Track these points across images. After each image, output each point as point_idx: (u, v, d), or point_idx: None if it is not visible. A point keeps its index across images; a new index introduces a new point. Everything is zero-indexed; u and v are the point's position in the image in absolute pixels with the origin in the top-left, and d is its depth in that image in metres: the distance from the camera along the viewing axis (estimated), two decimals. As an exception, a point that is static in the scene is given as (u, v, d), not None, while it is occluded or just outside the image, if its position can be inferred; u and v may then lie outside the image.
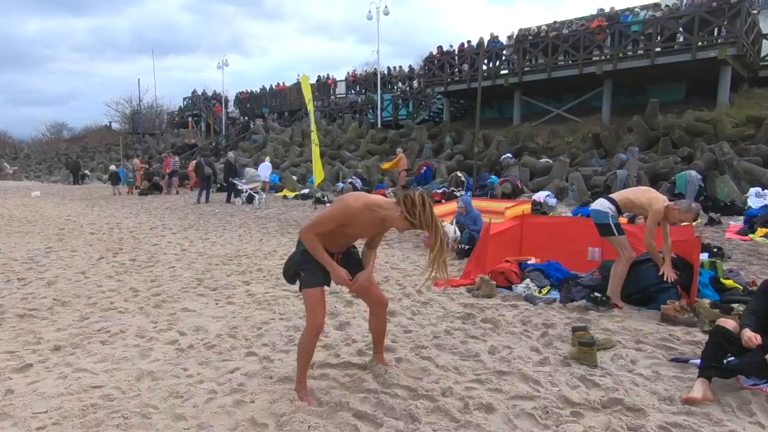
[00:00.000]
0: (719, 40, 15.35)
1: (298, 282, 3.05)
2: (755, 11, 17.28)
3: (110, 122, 46.93)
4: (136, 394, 3.04)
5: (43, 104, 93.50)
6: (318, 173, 13.21)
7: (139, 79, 37.02)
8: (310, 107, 13.78)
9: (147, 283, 5.81)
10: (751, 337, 2.94)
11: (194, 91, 37.11)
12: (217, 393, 3.05)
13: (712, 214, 10.01)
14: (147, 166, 22.41)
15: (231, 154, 19.01)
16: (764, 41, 17.56)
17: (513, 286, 5.41)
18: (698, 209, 4.65)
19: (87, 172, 29.67)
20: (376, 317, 3.29)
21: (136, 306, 4.88)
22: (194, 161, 20.56)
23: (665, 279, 4.69)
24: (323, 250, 2.89)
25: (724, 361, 3.15)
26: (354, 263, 3.10)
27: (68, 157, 33.75)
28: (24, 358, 3.56)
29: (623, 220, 5.96)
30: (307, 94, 13.97)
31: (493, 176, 14.81)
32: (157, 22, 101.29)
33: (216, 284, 5.74)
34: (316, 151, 12.90)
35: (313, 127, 13.42)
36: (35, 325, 4.32)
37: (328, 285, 3.05)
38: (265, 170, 18.78)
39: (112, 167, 20.97)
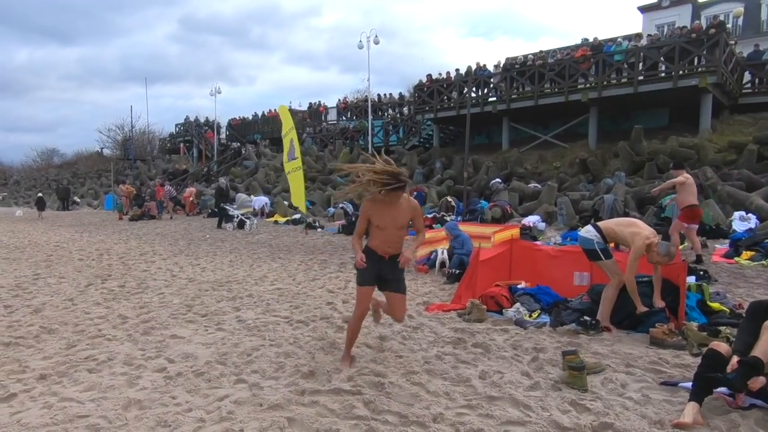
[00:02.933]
0: (700, 69, 15.83)
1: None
2: (732, 42, 17.88)
3: (102, 148, 46.95)
4: (122, 423, 3.00)
5: (33, 131, 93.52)
6: (299, 198, 12.89)
7: (132, 106, 37.30)
8: (293, 136, 12.89)
9: (136, 309, 5.75)
10: (732, 364, 3.03)
11: (186, 118, 37.33)
12: (206, 422, 3.01)
13: (699, 238, 10.14)
14: (134, 189, 22.34)
15: (222, 180, 19.05)
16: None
17: (503, 310, 5.42)
18: (675, 254, 4.77)
19: (77, 198, 29.50)
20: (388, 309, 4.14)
21: (124, 333, 4.83)
22: (191, 189, 21.16)
23: (653, 305, 4.78)
24: (360, 243, 3.89)
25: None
26: (394, 270, 3.84)
27: (59, 183, 33.55)
28: (8, 388, 3.50)
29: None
30: (288, 123, 13.24)
31: (482, 201, 14.95)
32: (144, 52, 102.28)
33: (206, 310, 5.70)
34: (300, 176, 12.63)
35: (297, 153, 12.76)
36: (21, 353, 4.26)
37: (375, 284, 3.90)
38: (260, 202, 18.91)
39: (40, 194, 22.94)
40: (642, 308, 4.78)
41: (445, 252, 7.78)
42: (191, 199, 21.41)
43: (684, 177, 8.07)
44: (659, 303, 4.79)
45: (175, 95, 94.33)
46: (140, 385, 3.57)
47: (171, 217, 19.50)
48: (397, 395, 3.35)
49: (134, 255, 10.21)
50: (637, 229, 4.82)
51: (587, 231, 5.01)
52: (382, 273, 3.83)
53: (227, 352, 4.24)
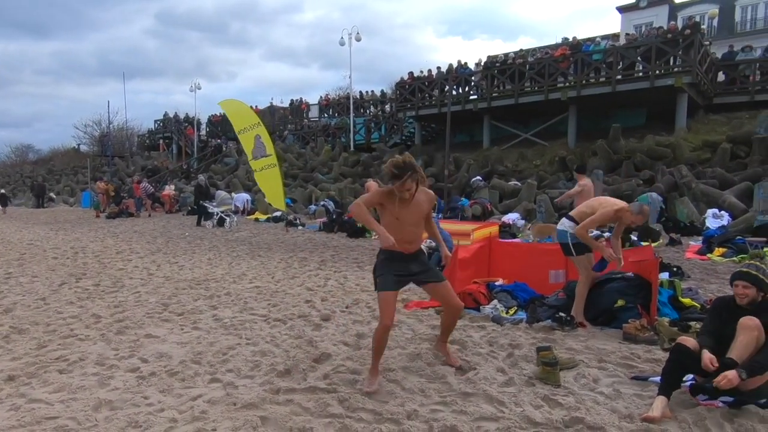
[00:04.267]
0: (675, 69, 16.14)
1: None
2: (707, 42, 18.25)
3: (78, 144, 45.93)
4: (92, 424, 2.95)
5: (7, 126, 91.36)
6: (277, 195, 12.48)
7: (108, 102, 36.62)
8: (259, 132, 11.98)
9: (110, 308, 5.66)
10: (707, 362, 3.01)
11: (165, 114, 36.78)
12: (178, 421, 2.98)
13: (673, 235, 10.37)
14: (113, 186, 21.92)
15: (202, 177, 18.84)
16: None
17: (481, 307, 5.47)
18: (648, 211, 4.80)
19: (52, 195, 28.87)
20: (446, 315, 3.85)
21: (97, 333, 4.74)
22: (171, 186, 21.00)
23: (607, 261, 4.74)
24: (370, 216, 3.49)
25: (684, 378, 3.25)
26: (418, 265, 3.57)
27: (33, 180, 32.77)
28: (-26, 390, 3.42)
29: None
30: (249, 119, 12.23)
31: (463, 198, 15.04)
32: (122, 46, 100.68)
33: (182, 309, 5.63)
34: (276, 173, 12.19)
35: (270, 149, 12.08)
36: (-12, 354, 4.15)
37: (398, 288, 3.57)
38: (241, 200, 18.73)
39: (2, 191, 24.84)
40: (609, 253, 4.70)
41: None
42: (170, 196, 21.13)
43: (579, 186, 8.64)
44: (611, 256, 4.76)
45: (154, 91, 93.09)
46: (112, 385, 3.51)
47: (149, 215, 19.21)
48: (372, 393, 3.35)
49: (110, 253, 10.04)
50: (606, 200, 4.90)
51: (562, 223, 5.06)
52: (407, 270, 3.50)
53: (202, 351, 4.20)
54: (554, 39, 22.43)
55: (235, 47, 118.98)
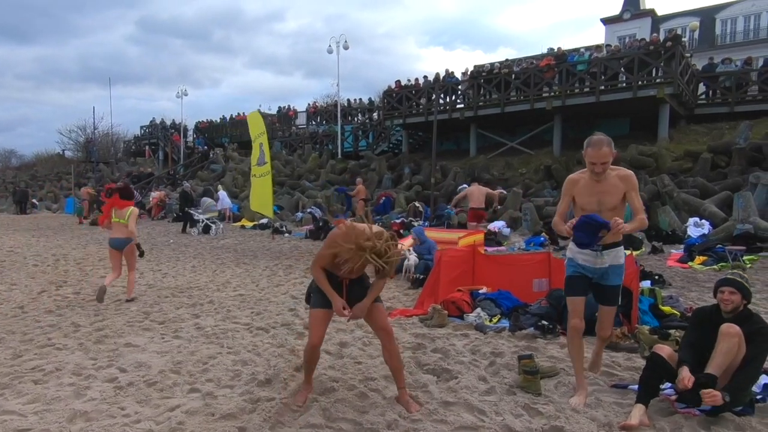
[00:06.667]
0: (657, 80, 16.43)
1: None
2: (688, 54, 18.61)
3: (63, 150, 45.37)
4: (66, 436, 2.89)
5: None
6: (266, 203, 12.57)
7: (94, 107, 36.32)
8: (263, 141, 12.74)
9: (90, 317, 5.57)
10: (684, 382, 3.01)
11: (153, 120, 36.54)
12: (155, 432, 2.93)
13: (655, 243, 10.50)
14: (94, 192, 21.57)
15: (187, 184, 18.69)
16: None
17: (464, 315, 5.48)
18: (603, 139, 3.55)
19: (35, 201, 28.41)
20: (382, 347, 3.37)
21: (75, 342, 4.67)
22: (159, 192, 20.72)
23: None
24: (326, 281, 3.23)
25: (662, 387, 3.28)
26: (361, 291, 3.28)
27: (16, 186, 32.20)
28: (-55, 401, 3.34)
29: None
30: (259, 128, 13.18)
31: (449, 207, 15.08)
32: (103, 52, 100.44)
33: (164, 317, 5.57)
34: (268, 181, 12.38)
35: (267, 158, 12.52)
36: (-38, 364, 4.06)
37: (331, 308, 3.26)
38: (226, 199, 18.55)
39: None
40: (564, 228, 3.57)
41: (413, 257, 7.75)
42: (158, 202, 20.87)
43: (465, 192, 10.62)
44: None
45: (137, 97, 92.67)
46: (88, 396, 3.45)
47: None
48: (352, 402, 3.33)
49: (93, 260, 9.89)
50: None
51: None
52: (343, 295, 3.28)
53: (182, 361, 4.14)
54: (535, 50, 22.82)
55: (218, 54, 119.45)
